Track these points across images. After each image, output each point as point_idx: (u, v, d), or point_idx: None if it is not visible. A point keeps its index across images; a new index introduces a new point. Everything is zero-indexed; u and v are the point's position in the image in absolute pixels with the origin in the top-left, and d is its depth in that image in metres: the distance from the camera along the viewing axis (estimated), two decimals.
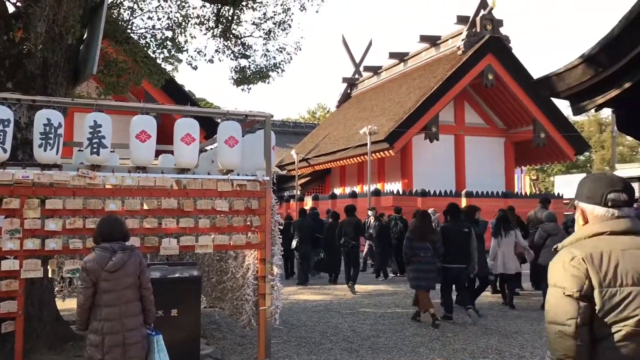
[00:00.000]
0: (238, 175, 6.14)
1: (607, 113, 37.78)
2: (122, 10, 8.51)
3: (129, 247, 4.23)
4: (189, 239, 5.87)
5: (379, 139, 22.01)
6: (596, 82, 9.92)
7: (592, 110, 11.13)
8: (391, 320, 8.65)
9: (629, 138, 46.27)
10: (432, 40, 26.85)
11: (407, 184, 23.90)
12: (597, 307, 1.96)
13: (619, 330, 1.95)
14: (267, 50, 9.60)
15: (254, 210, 6.16)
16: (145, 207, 5.72)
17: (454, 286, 8.77)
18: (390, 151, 22.36)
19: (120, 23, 8.17)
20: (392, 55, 29.66)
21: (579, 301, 1.97)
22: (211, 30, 9.12)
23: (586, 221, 2.17)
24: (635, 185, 17.86)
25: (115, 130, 5.65)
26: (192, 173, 6.01)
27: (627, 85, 9.50)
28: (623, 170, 20.18)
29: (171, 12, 8.78)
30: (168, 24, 8.76)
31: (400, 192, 22.11)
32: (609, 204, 2.10)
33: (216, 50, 9.40)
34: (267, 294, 6.16)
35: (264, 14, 9.13)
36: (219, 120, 6.28)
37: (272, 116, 6.36)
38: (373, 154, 22.42)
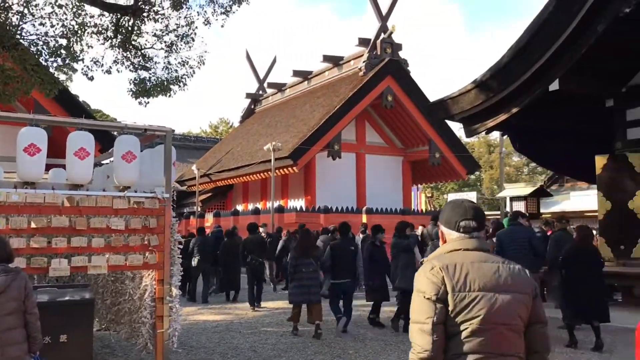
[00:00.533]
0: (135, 192, 5.88)
1: (496, 135, 40.34)
2: (10, 14, 7.98)
3: (12, 269, 3.91)
4: (82, 259, 5.52)
5: (282, 155, 22.08)
6: (487, 106, 10.58)
7: (483, 133, 11.84)
8: (293, 339, 8.60)
9: (515, 159, 49.63)
10: (335, 61, 27.45)
11: (310, 200, 24.11)
12: (450, 309, 2.31)
13: (467, 328, 2.30)
14: (169, 63, 9.38)
15: (152, 228, 5.92)
16: (33, 225, 5.33)
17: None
18: (294, 168, 22.50)
19: (8, 28, 7.64)
20: (296, 73, 29.99)
21: (436, 303, 2.31)
22: (109, 40, 8.78)
23: (445, 241, 2.59)
24: (521, 203, 19.20)
25: (1, 142, 5.24)
26: (86, 189, 5.68)
27: (514, 110, 10.21)
28: (510, 190, 21.56)
29: (66, 19, 8.35)
30: (63, 31, 8.32)
31: (304, 209, 22.26)
32: (461, 230, 2.51)
33: (114, 61, 9.05)
34: (165, 316, 5.92)
35: (167, 26, 8.94)
36: (115, 134, 6.01)
37: (173, 131, 6.18)
38: (276, 171, 22.44)
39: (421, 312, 2.33)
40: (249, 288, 11.89)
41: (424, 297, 2.33)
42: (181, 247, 6.43)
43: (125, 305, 6.53)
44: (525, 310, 2.39)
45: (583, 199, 28.51)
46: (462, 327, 2.30)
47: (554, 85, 9.40)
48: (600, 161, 10.67)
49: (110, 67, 9.01)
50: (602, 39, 8.92)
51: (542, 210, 22.58)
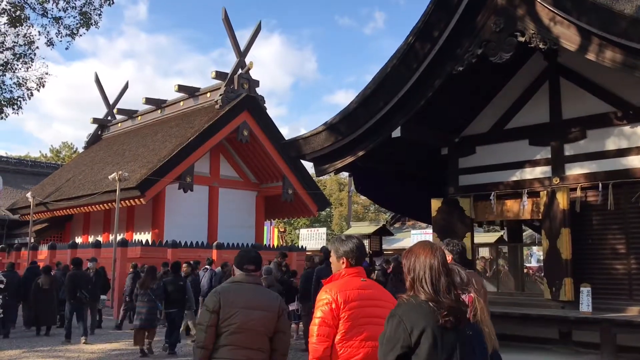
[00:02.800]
0: None
1: (346, 174, 42.07)
2: None
3: None
4: None
5: (129, 185, 21.04)
6: (336, 148, 11.00)
7: (333, 172, 12.28)
8: None
9: (362, 197, 52.06)
10: (190, 92, 27.02)
11: (157, 234, 23.15)
12: (220, 317, 3.66)
13: (228, 330, 3.64)
14: (3, 83, 8.61)
15: None
16: None
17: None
18: (141, 199, 21.52)
19: None
20: (149, 100, 28.95)
21: (211, 314, 3.66)
22: None
23: (235, 274, 3.94)
24: (365, 241, 20.05)
25: None
26: None
27: (360, 153, 10.72)
28: (356, 228, 22.47)
29: None
30: None
31: (150, 243, 21.30)
32: (244, 269, 3.86)
33: None
34: None
35: (2, 43, 8.19)
36: None
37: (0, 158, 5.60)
38: (122, 202, 21.30)
39: (202, 318, 3.71)
40: (68, 322, 12.11)
41: (207, 309, 3.69)
42: (2, 286, 5.79)
43: None
44: (270, 322, 3.73)
45: (422, 237, 30.62)
46: (226, 329, 3.63)
47: (396, 133, 10.04)
48: (435, 204, 11.50)
49: None
50: (439, 93, 9.75)
51: (384, 247, 23.79)
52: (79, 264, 12.48)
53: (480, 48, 8.96)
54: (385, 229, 22.73)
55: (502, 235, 20.99)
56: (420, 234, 31.30)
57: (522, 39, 8.53)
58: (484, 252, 20.35)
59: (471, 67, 9.22)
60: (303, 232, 41.88)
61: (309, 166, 26.97)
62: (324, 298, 3.26)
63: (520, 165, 10.71)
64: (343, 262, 3.42)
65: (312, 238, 37.95)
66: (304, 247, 27.33)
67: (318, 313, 3.24)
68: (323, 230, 41.47)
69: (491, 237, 22.97)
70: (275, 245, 29.82)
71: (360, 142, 10.56)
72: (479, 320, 2.84)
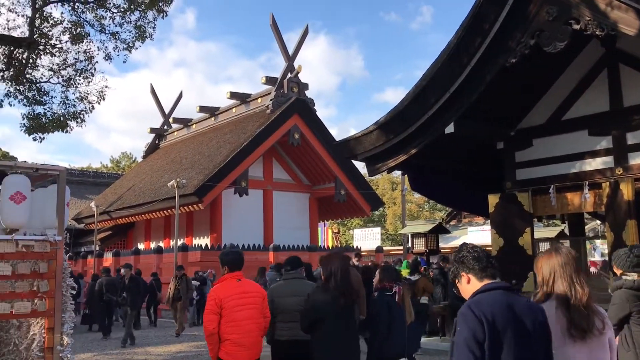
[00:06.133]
0: (25, 234, 5.50)
1: (399, 172, 41.74)
2: None
3: None
4: None
5: (187, 192, 21.60)
6: (388, 147, 10.97)
7: (385, 171, 12.24)
8: None
9: (416, 196, 51.53)
10: (242, 98, 27.50)
11: (216, 238, 23.66)
12: (275, 307, 5.11)
13: (281, 319, 5.17)
14: (67, 98, 9.02)
15: (42, 274, 5.53)
16: None
17: None
18: (199, 205, 22.05)
19: None
20: (203, 109, 29.68)
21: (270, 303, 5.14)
22: (1, 73, 8.29)
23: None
24: (421, 239, 19.83)
25: None
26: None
27: (412, 151, 10.65)
28: (411, 227, 22.25)
29: None
30: None
31: (209, 247, 21.79)
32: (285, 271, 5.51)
33: (6, 94, 8.56)
34: None
35: (65, 60, 8.61)
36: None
37: (66, 170, 5.88)
38: (181, 208, 21.89)
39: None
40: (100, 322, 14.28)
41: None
42: (74, 292, 6.06)
43: (9, 357, 6.03)
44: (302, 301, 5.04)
45: (480, 234, 30.07)
46: (275, 311, 5.16)
47: (450, 129, 9.92)
48: (492, 200, 11.28)
49: (1, 100, 8.51)
50: (492, 87, 9.58)
51: (441, 246, 23.48)
52: (108, 272, 15.18)
53: (533, 38, 8.74)
54: (442, 226, 22.43)
55: (563, 230, 20.37)
56: (478, 231, 30.80)
57: (577, 27, 8.28)
58: (545, 248, 19.83)
59: (524, 58, 9.02)
60: (357, 232, 41.86)
61: (360, 166, 26.94)
62: (210, 295, 4.82)
63: (580, 156, 10.39)
64: (225, 269, 4.87)
65: (366, 238, 37.90)
66: (358, 247, 27.30)
67: (207, 305, 4.78)
68: (377, 230, 41.33)
69: (552, 231, 22.33)
70: (330, 246, 29.89)
71: (413, 139, 10.48)
72: (404, 302, 4.75)
